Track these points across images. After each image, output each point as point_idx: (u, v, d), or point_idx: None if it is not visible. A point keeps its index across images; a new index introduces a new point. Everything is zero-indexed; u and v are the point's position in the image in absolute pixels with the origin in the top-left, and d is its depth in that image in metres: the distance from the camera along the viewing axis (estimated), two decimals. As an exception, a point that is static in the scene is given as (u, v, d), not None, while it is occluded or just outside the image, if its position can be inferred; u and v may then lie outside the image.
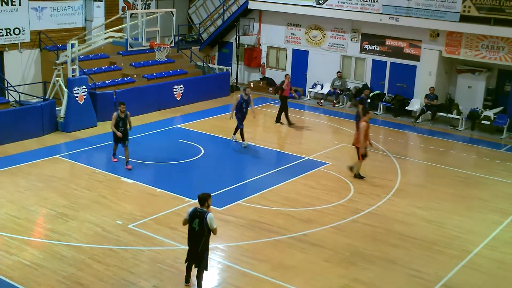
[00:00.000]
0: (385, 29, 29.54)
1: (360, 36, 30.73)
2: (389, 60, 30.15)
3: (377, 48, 30.36)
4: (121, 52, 28.90)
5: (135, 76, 28.22)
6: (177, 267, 13.51)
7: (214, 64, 34.59)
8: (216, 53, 35.25)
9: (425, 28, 28.38)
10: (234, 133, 23.33)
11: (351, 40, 30.95)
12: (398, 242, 15.56)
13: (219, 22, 34.23)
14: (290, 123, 26.34)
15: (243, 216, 16.60)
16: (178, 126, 25.55)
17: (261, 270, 13.68)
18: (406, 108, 29.23)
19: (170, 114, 27.18)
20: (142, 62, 29.33)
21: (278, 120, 26.72)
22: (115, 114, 19.52)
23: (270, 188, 18.75)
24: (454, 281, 13.76)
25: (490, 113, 27.57)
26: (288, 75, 27.61)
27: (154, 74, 29.03)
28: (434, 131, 27.16)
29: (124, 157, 19.99)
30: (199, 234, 11.85)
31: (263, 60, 33.66)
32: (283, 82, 26.78)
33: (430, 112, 28.41)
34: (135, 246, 14.54)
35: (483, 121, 27.43)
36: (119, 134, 19.50)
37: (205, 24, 35.18)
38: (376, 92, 29.98)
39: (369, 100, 28.01)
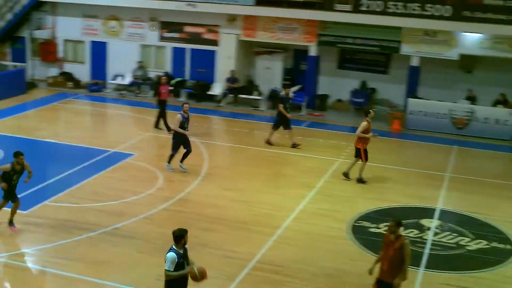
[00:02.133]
0: (183, 16, 29.57)
1: (158, 25, 30.53)
2: (188, 46, 30.26)
3: (176, 35, 30.34)
4: None
5: None
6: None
7: (7, 60, 32.71)
8: (8, 49, 33.35)
9: (222, 13, 28.76)
10: (182, 161, 19.64)
11: (150, 28, 30.67)
12: (210, 225, 15.65)
13: (9, 16, 32.37)
14: (169, 129, 23.52)
15: (52, 217, 15.86)
16: (-28, 128, 23.95)
17: (76, 270, 13.15)
18: (208, 92, 29.55)
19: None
20: None
21: (156, 126, 24.32)
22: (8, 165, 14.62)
23: (77, 185, 18.08)
24: (267, 257, 14.07)
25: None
26: (164, 77, 25.26)
27: None
28: (237, 113, 27.70)
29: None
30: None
31: (61, 54, 32.40)
32: (158, 84, 24.56)
33: (232, 95, 28.92)
34: None
35: (283, 100, 28.34)
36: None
37: (-7, 19, 33.26)
38: (178, 79, 29.99)
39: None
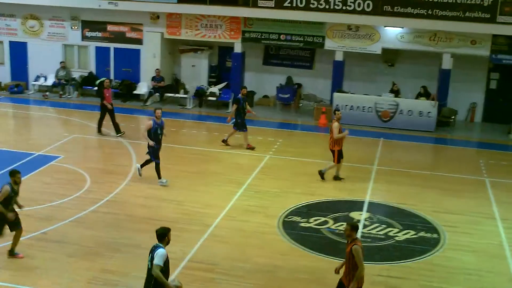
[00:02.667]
0: (105, 15, 29.14)
1: (80, 24, 29.98)
2: (112, 45, 29.86)
3: (99, 34, 29.88)
4: None
5: None
6: None
7: None
8: None
9: (145, 11, 28.46)
10: (142, 165, 18.73)
11: (72, 28, 30.08)
12: (141, 226, 15.46)
13: None
14: (118, 132, 23.38)
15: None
16: None
17: (3, 278, 12.77)
18: (134, 92, 29.26)
19: None
20: None
21: (99, 130, 23.49)
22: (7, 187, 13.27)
23: (0, 190, 17.57)
24: (199, 256, 14.01)
25: (215, 89, 28.60)
26: (108, 80, 24.36)
27: None
28: (164, 112, 27.27)
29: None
30: (149, 272, 10.44)
31: (-22, 56, 31.44)
32: (102, 88, 23.75)
33: (158, 94, 28.68)
34: None
35: (209, 98, 28.35)
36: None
37: None
38: (103, 79, 29.47)
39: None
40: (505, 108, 27.85)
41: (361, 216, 16.76)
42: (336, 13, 26.50)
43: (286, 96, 28.52)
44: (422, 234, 15.76)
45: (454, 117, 27.31)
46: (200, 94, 28.52)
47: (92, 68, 30.23)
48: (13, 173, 13.34)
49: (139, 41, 29.44)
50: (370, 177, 19.96)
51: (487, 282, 13.58)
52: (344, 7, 26.33)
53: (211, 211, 16.54)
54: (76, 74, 30.20)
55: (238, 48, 28.54)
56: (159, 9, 28.27)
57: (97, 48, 30.07)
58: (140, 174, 18.65)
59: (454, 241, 15.49)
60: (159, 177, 18.37)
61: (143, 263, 13.29)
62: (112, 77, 29.89)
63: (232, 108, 22.31)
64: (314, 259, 14.25)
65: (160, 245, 10.50)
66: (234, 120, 22.50)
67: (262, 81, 29.91)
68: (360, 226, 16.01)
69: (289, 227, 15.86)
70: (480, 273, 13.98)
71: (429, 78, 27.75)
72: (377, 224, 16.26)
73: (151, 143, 18.05)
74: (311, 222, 16.14)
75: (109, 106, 23.07)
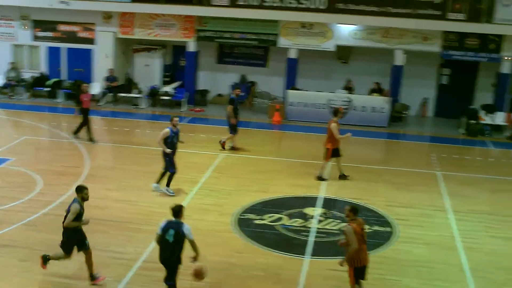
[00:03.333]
0: (56, 14, 28.80)
1: (30, 23, 29.55)
2: (64, 45, 29.51)
3: (51, 34, 29.50)
4: None
5: None
6: None
7: None
8: None
9: (97, 11, 28.19)
10: (168, 184, 17.81)
11: (22, 27, 29.61)
12: (94, 227, 15.16)
13: None
14: (92, 140, 22.59)
15: None
16: None
17: None
18: (88, 92, 28.91)
19: None
20: None
21: (76, 132, 22.87)
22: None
23: (-51, 195, 17.24)
24: (154, 255, 13.83)
25: (169, 88, 28.48)
26: (85, 85, 23.46)
27: None
28: (117, 112, 27.29)
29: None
30: (174, 246, 11.35)
31: None
32: (80, 92, 22.84)
33: (111, 94, 28.44)
34: None
35: (163, 97, 28.24)
36: None
37: None
38: (54, 79, 29.20)
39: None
40: (456, 103, 28.30)
41: (315, 212, 16.86)
42: (289, 11, 26.65)
43: (240, 94, 28.46)
44: (375, 228, 15.92)
45: (406, 112, 27.68)
46: (153, 94, 28.38)
47: (44, 68, 29.82)
48: (81, 189, 12.38)
49: (91, 41, 29.16)
50: (324, 173, 20.07)
51: (439, 274, 13.78)
52: (297, 5, 26.47)
53: (166, 211, 16.25)
54: (27, 75, 29.72)
55: (192, 47, 28.47)
56: (111, 9, 28.04)
57: (49, 48, 29.68)
58: (171, 193, 17.75)
59: (407, 234, 15.69)
60: (168, 185, 17.77)
61: (98, 265, 13.23)
62: (64, 77, 29.53)
63: (228, 110, 21.83)
64: (270, 256, 14.29)
65: (180, 221, 11.47)
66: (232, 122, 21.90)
67: (216, 79, 29.91)
68: (315, 222, 16.13)
69: (244, 224, 15.88)
70: (432, 264, 14.17)
71: (382, 74, 28.05)
72: (331, 220, 16.38)
73: (168, 151, 17.47)
74: (265, 219, 16.18)
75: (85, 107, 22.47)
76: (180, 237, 11.36)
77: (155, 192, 17.78)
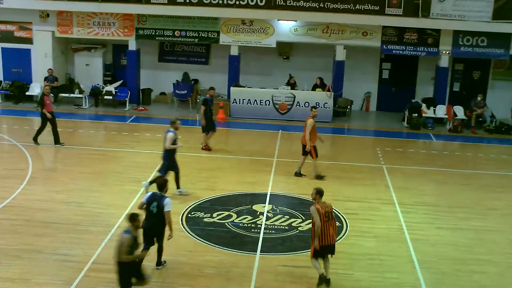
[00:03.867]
0: (-9, 13, 28.04)
1: (-36, 23, 28.75)
2: (0, 45, 28.78)
3: (-15, 34, 28.76)
4: None
5: None
6: None
7: None
8: None
9: (33, 10, 27.59)
10: (178, 186, 17.59)
11: (-45, 28, 28.80)
12: (41, 230, 14.98)
13: None
14: (58, 142, 21.95)
15: None
16: None
17: None
18: (27, 93, 28.32)
19: None
20: None
21: (35, 138, 22.00)
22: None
23: None
24: (103, 257, 13.70)
25: (111, 87, 28.13)
26: (47, 87, 22.66)
27: None
28: (59, 112, 26.59)
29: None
30: (156, 215, 12.67)
31: None
32: (43, 95, 21.94)
33: (52, 95, 27.84)
34: None
35: (105, 97, 27.87)
36: None
37: None
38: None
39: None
40: (398, 96, 28.76)
41: (264, 208, 16.88)
42: (230, 8, 26.59)
43: (183, 92, 28.33)
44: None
45: (350, 107, 27.98)
46: (95, 93, 27.96)
47: (-23, 68, 29.08)
48: (133, 218, 11.30)
49: (28, 40, 28.50)
50: (270, 169, 20.12)
51: (389, 266, 13.97)
52: (237, 2, 26.45)
53: (113, 211, 16.23)
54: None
55: (132, 46, 28.14)
56: (48, 7, 27.50)
57: (-17, 48, 28.95)
58: (186, 193, 17.62)
59: (356, 228, 15.85)
60: (178, 187, 17.61)
61: (46, 269, 13.00)
62: (1, 78, 28.83)
63: (200, 110, 21.70)
64: (219, 254, 14.24)
65: (163, 194, 12.74)
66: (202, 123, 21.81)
67: (158, 78, 29.67)
68: (264, 218, 16.15)
69: (193, 223, 15.78)
70: (382, 257, 14.36)
71: (324, 70, 28.27)
72: (280, 216, 16.42)
73: (178, 146, 17.41)
74: (214, 217, 16.11)
75: (48, 115, 21.61)
76: (161, 209, 12.60)
77: (102, 193, 17.52)
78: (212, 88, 22.53)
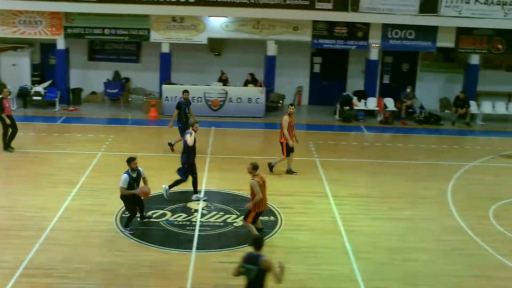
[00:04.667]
0: None
1: None
2: None
3: None
4: None
5: None
6: None
7: None
8: None
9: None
10: (196, 191, 17.42)
11: None
12: (-30, 237, 14.59)
13: None
14: (6, 148, 21.04)
15: None
16: None
17: None
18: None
19: None
20: None
21: (6, 147, 21.08)
22: None
23: None
24: (36, 261, 13.42)
25: (39, 88, 27.54)
26: (6, 89, 21.73)
27: None
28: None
29: None
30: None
31: None
32: (1, 98, 20.76)
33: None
34: None
35: (34, 97, 27.27)
36: None
37: None
38: None
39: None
40: (329, 90, 29.07)
41: (199, 205, 16.82)
42: (160, 5, 26.40)
43: (114, 91, 27.98)
44: (259, 218, 16.03)
45: (282, 102, 28.14)
46: (24, 94, 27.32)
47: None
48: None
49: None
50: (204, 166, 20.03)
51: (324, 258, 14.13)
52: (167, -2, 26.26)
53: (45, 214, 15.89)
54: None
55: (61, 45, 27.58)
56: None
57: None
58: (203, 199, 17.33)
59: (291, 222, 15.96)
60: (196, 192, 17.41)
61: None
62: None
63: (174, 113, 21.29)
64: (155, 252, 14.14)
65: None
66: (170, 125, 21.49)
67: (88, 77, 29.15)
68: (199, 215, 16.11)
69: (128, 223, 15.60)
70: (317, 249, 14.52)
71: (257, 65, 28.35)
72: (214, 212, 16.40)
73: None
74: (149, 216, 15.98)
75: (7, 121, 20.76)
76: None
77: (34, 196, 17.13)
78: (186, 91, 21.95)
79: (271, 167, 19.67)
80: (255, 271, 10.29)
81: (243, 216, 15.03)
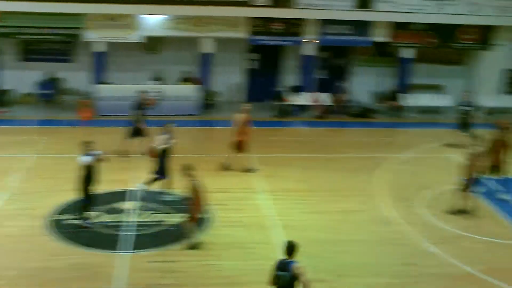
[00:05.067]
0: None
1: None
2: None
3: None
4: None
5: None
6: None
7: None
8: None
9: None
10: (148, 183, 17.29)
11: None
12: None
13: None
14: None
15: None
16: None
17: None
18: None
19: None
20: None
21: None
22: None
23: None
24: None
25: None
26: None
27: None
28: None
29: None
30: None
31: None
32: None
33: None
34: None
35: None
36: None
37: None
38: None
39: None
40: (265, 86, 29.13)
41: (133, 205, 16.64)
42: (94, 4, 25.83)
43: (48, 92, 27.47)
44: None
45: (218, 99, 28.05)
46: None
47: None
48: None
49: None
50: (139, 166, 19.79)
51: (259, 253, 14.19)
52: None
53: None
54: None
55: (-9, 45, 26.94)
56: None
57: None
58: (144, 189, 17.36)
59: (226, 218, 15.99)
60: (147, 184, 17.27)
61: None
62: None
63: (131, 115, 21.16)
64: (87, 255, 13.96)
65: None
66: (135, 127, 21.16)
67: (21, 78, 28.36)
68: (133, 216, 15.97)
69: (59, 226, 15.35)
70: (252, 245, 14.60)
71: (193, 63, 28.17)
72: (150, 212, 16.29)
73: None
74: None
75: None
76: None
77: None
78: (145, 92, 22.03)
79: (225, 167, 19.64)
80: (287, 277, 10.29)
81: (186, 216, 14.31)
